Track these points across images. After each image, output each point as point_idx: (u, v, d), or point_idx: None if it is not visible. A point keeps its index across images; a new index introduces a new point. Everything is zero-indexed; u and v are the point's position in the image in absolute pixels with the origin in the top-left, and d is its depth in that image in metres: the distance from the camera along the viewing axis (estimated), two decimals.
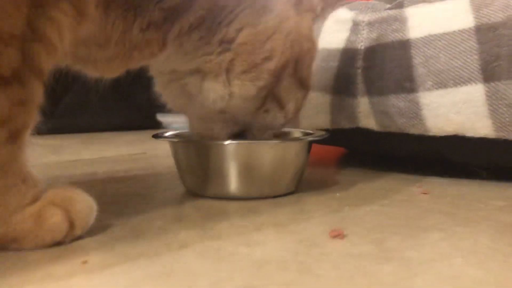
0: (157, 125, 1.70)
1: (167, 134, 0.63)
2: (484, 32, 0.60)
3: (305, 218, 0.49)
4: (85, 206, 0.42)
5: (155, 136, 0.60)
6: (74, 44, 0.41)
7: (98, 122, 1.54)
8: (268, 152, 0.55)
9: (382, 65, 0.67)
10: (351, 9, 0.75)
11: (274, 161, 0.55)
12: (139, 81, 1.75)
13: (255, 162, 0.54)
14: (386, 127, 0.69)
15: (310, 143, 0.60)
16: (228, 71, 0.51)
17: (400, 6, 0.69)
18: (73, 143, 1.22)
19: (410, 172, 0.72)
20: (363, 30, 0.70)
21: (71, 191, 0.42)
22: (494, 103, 0.60)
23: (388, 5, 0.74)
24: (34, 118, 0.39)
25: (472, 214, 0.50)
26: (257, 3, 0.51)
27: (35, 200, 0.39)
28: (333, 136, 0.77)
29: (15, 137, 0.38)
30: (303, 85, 0.56)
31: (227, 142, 0.54)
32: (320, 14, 0.58)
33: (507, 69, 0.59)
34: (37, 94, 0.38)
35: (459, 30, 0.62)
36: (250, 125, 0.56)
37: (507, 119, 0.59)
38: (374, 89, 0.68)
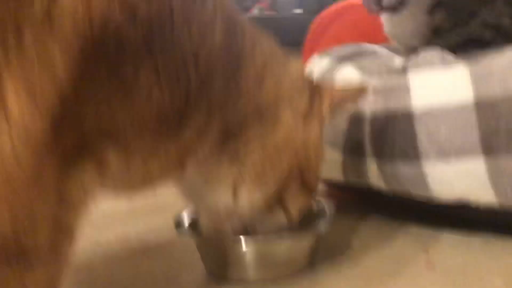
0: None
1: (188, 221, 0.68)
2: (483, 107, 0.62)
3: None
4: None
5: (177, 227, 0.65)
6: (102, 189, 0.46)
7: None
8: (283, 247, 0.61)
9: (387, 132, 0.70)
10: (358, 68, 0.77)
11: (289, 253, 0.62)
12: None
13: (271, 254, 0.61)
14: (394, 189, 0.72)
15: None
16: (236, 182, 0.55)
17: (404, 71, 0.71)
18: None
19: (421, 221, 0.75)
20: (369, 97, 0.73)
21: None
22: (495, 175, 0.62)
23: (397, 59, 0.75)
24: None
25: None
26: (265, 117, 0.54)
27: None
28: (347, 188, 0.80)
29: None
30: (309, 189, 0.60)
31: (244, 240, 0.60)
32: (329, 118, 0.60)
33: (506, 144, 0.60)
34: (69, 251, 0.43)
35: (459, 105, 0.64)
36: (255, 222, 0.61)
37: (508, 190, 0.62)
38: (382, 153, 0.71)
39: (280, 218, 0.60)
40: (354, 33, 1.28)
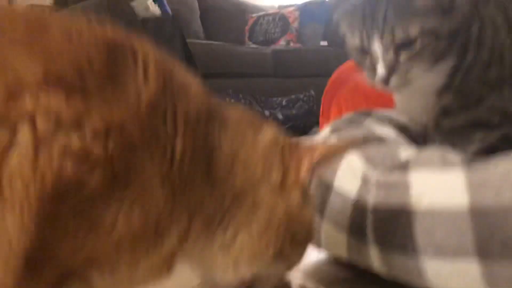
0: None
1: None
2: (478, 215, 0.65)
3: None
4: None
5: None
6: None
7: None
8: None
9: (388, 224, 0.73)
10: (363, 157, 0.80)
11: None
12: None
13: None
14: (395, 277, 0.75)
15: None
16: (234, 267, 0.57)
17: (405, 168, 0.74)
18: None
19: None
20: (372, 186, 0.76)
21: None
22: (490, 279, 0.64)
23: (401, 154, 0.79)
24: None
25: None
26: (246, 203, 0.56)
27: None
28: (354, 267, 0.83)
29: None
30: (306, 243, 0.62)
31: None
32: (309, 184, 0.59)
33: (499, 253, 0.63)
34: None
35: (454, 209, 0.67)
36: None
37: None
38: (383, 242, 0.74)
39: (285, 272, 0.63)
40: (367, 93, 1.32)
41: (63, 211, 0.44)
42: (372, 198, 0.75)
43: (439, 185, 0.69)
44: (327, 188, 0.84)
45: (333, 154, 0.62)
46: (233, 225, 0.56)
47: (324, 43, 3.40)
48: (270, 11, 3.98)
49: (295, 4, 3.93)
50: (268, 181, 0.57)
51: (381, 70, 0.84)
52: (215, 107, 0.57)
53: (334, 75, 1.52)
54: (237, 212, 0.55)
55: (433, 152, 0.74)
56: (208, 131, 0.54)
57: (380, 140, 0.84)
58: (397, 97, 0.98)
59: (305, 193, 0.59)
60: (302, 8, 3.72)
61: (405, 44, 0.83)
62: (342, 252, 0.82)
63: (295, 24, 3.62)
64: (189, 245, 0.55)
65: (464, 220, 0.65)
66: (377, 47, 0.84)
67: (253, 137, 0.58)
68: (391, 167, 0.76)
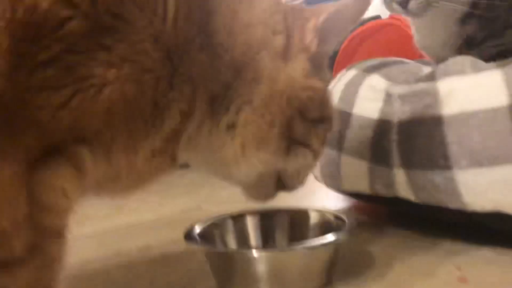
0: None
1: (199, 229, 0.65)
2: None
3: None
4: None
5: (187, 239, 0.62)
6: (86, 188, 0.45)
7: None
8: (296, 260, 0.57)
9: (416, 140, 0.67)
10: (384, 77, 0.74)
11: (302, 266, 0.57)
12: None
13: (283, 269, 0.56)
14: (424, 199, 0.68)
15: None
16: (243, 154, 0.52)
17: (432, 78, 0.68)
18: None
19: (454, 236, 0.71)
20: (396, 102, 0.70)
21: None
22: None
23: (425, 69, 0.73)
24: (61, 272, 0.43)
25: None
26: (246, 79, 0.50)
27: None
28: (375, 199, 0.77)
29: None
30: (320, 121, 0.55)
31: (255, 253, 0.56)
32: (319, 48, 0.52)
33: None
34: (61, 252, 0.42)
35: (492, 109, 0.60)
36: (286, 173, 0.57)
37: None
38: (410, 163, 0.68)
39: (307, 158, 0.56)
40: (386, 53, 1.26)
41: (38, 54, 0.39)
42: (397, 114, 0.69)
43: (473, 87, 0.62)
44: (345, 118, 0.78)
45: (339, 13, 0.53)
46: (235, 103, 0.50)
47: None
48: None
49: None
50: (270, 47, 0.51)
51: None
52: None
53: (352, 35, 1.47)
54: (238, 86, 0.50)
55: (462, 59, 0.68)
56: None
57: (401, 62, 0.78)
58: (417, 33, 0.92)
59: (313, 60, 0.53)
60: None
61: None
62: (363, 183, 0.75)
63: None
64: (193, 125, 0.49)
65: (504, 117, 0.58)
66: None
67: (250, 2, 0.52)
68: (416, 80, 0.70)
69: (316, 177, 0.92)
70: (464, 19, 0.84)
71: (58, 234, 0.42)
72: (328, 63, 0.58)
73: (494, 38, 0.84)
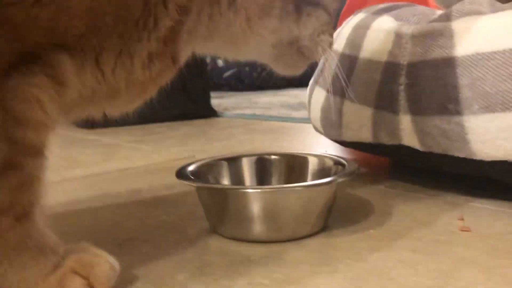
0: (212, 113, 1.72)
1: (192, 168, 0.61)
2: None
3: (329, 271, 0.47)
4: (106, 269, 0.43)
5: (178, 176, 0.59)
6: (71, 105, 0.41)
7: (155, 113, 1.58)
8: (292, 199, 0.53)
9: (426, 83, 0.63)
10: (395, 18, 0.70)
11: (299, 207, 0.53)
12: (193, 70, 1.78)
13: (279, 209, 0.53)
14: (430, 147, 0.65)
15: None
16: (250, 28, 0.50)
17: (447, 18, 0.63)
18: (126, 142, 1.26)
19: (457, 189, 0.69)
20: (407, 44, 0.66)
21: (92, 255, 0.43)
22: None
23: (439, 12, 0.68)
24: (41, 193, 0.40)
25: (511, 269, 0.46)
26: None
27: (55, 268, 0.41)
28: (377, 149, 0.74)
29: (24, 217, 0.39)
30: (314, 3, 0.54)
31: (250, 190, 0.53)
32: None
33: None
34: (38, 170, 0.39)
35: (510, 49, 0.56)
36: (303, 39, 0.54)
37: None
38: (417, 108, 0.64)
39: (320, 17, 0.54)
40: None
41: None
42: (407, 55, 0.64)
43: (490, 27, 0.58)
44: (351, 62, 0.74)
45: None
46: None
47: None
48: None
49: None
50: None
51: None
52: None
53: None
54: None
55: (479, 0, 0.63)
56: None
57: (413, 5, 0.73)
58: None
59: None
60: None
61: None
62: (366, 131, 0.72)
63: None
64: (192, 17, 0.45)
65: None
66: None
67: None
68: (429, 21, 0.65)
69: (316, 128, 0.88)
70: None
71: (35, 151, 0.39)
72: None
73: None
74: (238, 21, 0.48)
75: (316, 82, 0.87)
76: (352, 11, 1.30)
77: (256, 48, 0.53)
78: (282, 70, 0.58)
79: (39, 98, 0.37)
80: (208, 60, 3.10)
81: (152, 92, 0.47)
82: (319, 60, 0.57)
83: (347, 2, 1.43)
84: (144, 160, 1.03)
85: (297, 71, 0.58)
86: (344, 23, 0.84)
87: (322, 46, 0.55)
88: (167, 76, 0.47)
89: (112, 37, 0.40)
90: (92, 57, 0.40)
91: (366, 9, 0.81)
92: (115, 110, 0.49)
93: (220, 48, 0.54)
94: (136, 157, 1.07)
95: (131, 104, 0.48)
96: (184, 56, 0.48)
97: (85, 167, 0.99)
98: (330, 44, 0.56)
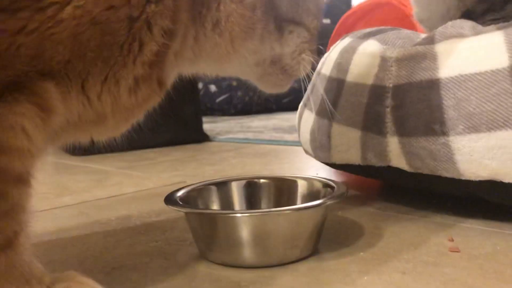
0: (204, 137, 1.73)
1: (181, 193, 0.61)
2: None
3: None
4: None
5: (167, 202, 0.58)
6: (58, 131, 0.41)
7: (147, 138, 1.58)
8: (281, 222, 0.53)
9: (411, 105, 0.63)
10: (380, 42, 0.71)
11: (288, 231, 0.53)
12: (185, 96, 1.78)
13: (268, 232, 0.53)
14: (417, 168, 0.65)
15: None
16: (234, 48, 0.50)
17: (431, 41, 0.65)
18: (117, 169, 1.26)
19: (447, 210, 0.69)
20: (392, 67, 0.67)
21: (79, 284, 0.43)
22: None
23: (423, 35, 0.70)
24: (26, 220, 0.40)
25: None
26: None
27: None
28: (366, 170, 0.74)
29: (8, 247, 0.38)
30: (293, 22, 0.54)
31: (239, 214, 0.53)
32: None
33: None
34: (23, 199, 0.39)
35: (491, 71, 0.57)
36: (285, 58, 0.55)
37: None
38: (404, 129, 0.65)
39: (300, 35, 0.54)
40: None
41: None
42: (392, 78, 0.65)
43: (472, 49, 0.59)
44: (338, 86, 0.75)
45: None
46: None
47: (326, 21, 3.33)
48: None
49: None
50: None
51: None
52: None
53: (347, 14, 1.43)
54: None
55: (462, 22, 0.65)
56: None
57: (397, 29, 0.75)
58: (416, 6, 0.89)
59: None
60: None
61: None
62: (355, 153, 0.72)
63: None
64: (178, 40, 0.46)
65: (504, 79, 0.55)
66: None
67: None
68: (413, 44, 0.66)
69: (306, 150, 0.89)
70: None
71: (20, 179, 0.39)
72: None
73: (494, 12, 0.81)
74: (222, 42, 0.49)
75: (305, 105, 0.88)
76: (340, 36, 1.33)
77: (240, 67, 0.54)
78: (266, 88, 0.59)
79: (24, 126, 0.37)
80: (200, 85, 3.12)
81: (138, 116, 0.48)
82: (302, 76, 0.58)
83: (336, 27, 1.45)
84: (135, 186, 1.02)
85: (282, 89, 0.59)
86: (332, 47, 0.85)
87: (303, 64, 0.56)
88: (154, 100, 0.47)
89: (97, 63, 0.40)
90: (78, 83, 0.40)
91: (353, 33, 0.82)
92: (101, 136, 0.49)
93: (206, 68, 0.55)
94: (127, 183, 1.07)
95: (118, 130, 0.48)
96: (171, 79, 0.49)
97: (75, 194, 0.99)
98: (312, 62, 0.57)
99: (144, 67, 0.43)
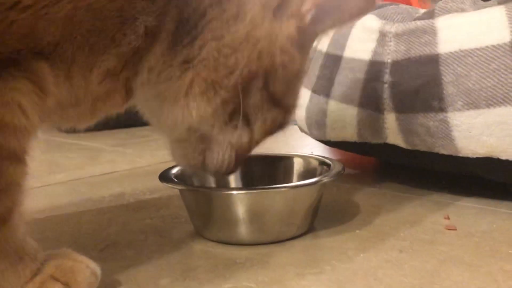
0: None
1: (175, 171, 0.60)
2: None
3: (315, 273, 0.47)
4: (87, 275, 0.42)
5: (162, 179, 0.57)
6: (48, 112, 0.40)
7: (140, 116, 1.56)
8: (277, 200, 0.53)
9: (410, 81, 0.63)
10: (379, 16, 0.69)
11: (284, 208, 0.53)
12: None
13: (264, 210, 0.52)
14: (415, 145, 0.65)
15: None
16: (186, 94, 0.45)
17: (431, 15, 0.63)
18: (110, 146, 1.24)
19: (443, 188, 0.69)
20: (390, 42, 0.66)
21: (72, 261, 0.42)
22: None
23: (422, 10, 0.68)
24: (20, 198, 0.39)
25: (496, 267, 0.46)
26: (226, 13, 0.44)
27: (34, 274, 0.40)
28: (362, 148, 0.74)
29: (1, 224, 0.37)
30: (278, 103, 0.49)
31: (235, 191, 0.52)
32: (312, 25, 0.47)
33: None
34: (18, 176, 0.38)
35: (492, 46, 0.56)
36: (220, 143, 0.50)
37: None
38: (402, 106, 0.64)
39: (242, 137, 0.49)
40: None
41: None
42: (391, 53, 0.64)
43: (473, 24, 0.58)
44: (335, 62, 0.73)
45: (343, 2, 0.48)
46: (204, 35, 0.44)
47: None
48: None
49: None
50: None
51: None
52: None
53: None
54: (214, 18, 0.44)
55: None
56: None
57: (396, 4, 0.73)
58: None
59: (302, 34, 0.47)
60: None
61: None
62: (351, 130, 0.71)
63: None
64: (156, 51, 0.43)
65: (505, 55, 0.54)
66: None
67: None
68: (413, 19, 0.65)
69: (301, 128, 0.88)
70: None
71: (16, 157, 0.37)
72: None
73: None
74: (182, 80, 0.45)
75: None
76: None
77: (175, 118, 0.47)
78: (175, 157, 0.53)
79: (21, 102, 0.36)
80: None
81: (102, 112, 0.45)
82: (209, 171, 0.52)
83: None
84: (128, 164, 1.01)
85: (188, 165, 0.53)
86: None
87: (223, 165, 0.50)
88: (118, 103, 0.45)
89: (84, 48, 0.39)
90: (66, 66, 0.39)
91: None
92: (71, 123, 0.47)
93: (149, 102, 0.49)
94: (120, 161, 1.06)
95: (85, 118, 0.46)
96: (136, 97, 0.46)
97: (68, 171, 0.98)
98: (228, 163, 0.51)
99: (118, 61, 0.41)
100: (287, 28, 0.47)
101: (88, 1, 0.37)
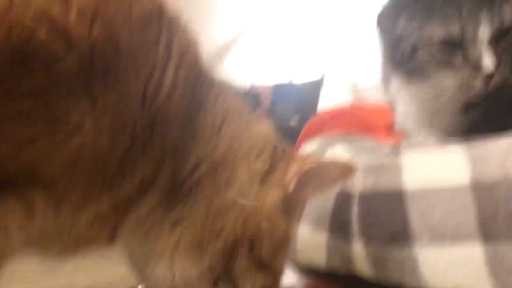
0: None
1: None
2: (480, 189, 0.58)
3: None
4: None
5: None
6: (27, 240, 0.40)
7: None
8: None
9: (377, 215, 0.65)
10: (347, 149, 0.74)
11: None
12: None
13: None
14: (383, 277, 0.65)
15: None
16: (172, 253, 0.47)
17: (396, 153, 0.68)
18: None
19: None
20: (358, 175, 0.69)
21: None
22: (494, 264, 0.56)
23: (386, 148, 0.73)
24: None
25: None
26: (218, 179, 0.47)
27: None
28: (330, 277, 0.73)
29: None
30: (265, 268, 0.49)
31: None
32: (295, 192, 0.50)
33: (505, 230, 0.55)
34: None
35: (454, 187, 0.60)
36: None
37: (509, 281, 0.55)
38: (370, 238, 0.66)
39: None
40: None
41: (21, 84, 0.36)
42: (358, 185, 0.67)
43: (436, 163, 0.62)
44: None
45: (329, 174, 0.53)
46: (195, 199, 0.47)
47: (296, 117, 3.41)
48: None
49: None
50: (251, 166, 0.49)
51: (488, 61, 0.67)
52: (211, 79, 0.51)
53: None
54: (208, 185, 0.47)
55: (427, 136, 0.68)
56: (201, 88, 0.48)
57: (363, 137, 0.78)
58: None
59: (286, 202, 0.50)
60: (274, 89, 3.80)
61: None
62: (320, 256, 0.71)
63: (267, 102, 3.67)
64: (147, 202, 0.45)
65: (466, 196, 0.58)
66: (484, 33, 0.68)
67: (249, 121, 0.52)
68: (379, 155, 0.69)
69: None
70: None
71: None
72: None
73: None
74: (168, 239, 0.46)
75: None
76: (308, 136, 1.37)
77: (157, 278, 0.48)
78: None
79: (8, 225, 0.37)
80: None
81: (84, 250, 0.46)
82: None
83: (304, 128, 1.49)
84: (90, 276, 0.97)
85: None
86: (299, 150, 0.88)
87: None
88: (101, 244, 0.46)
89: (79, 189, 0.41)
90: (57, 200, 0.40)
91: (320, 137, 0.85)
92: (51, 254, 0.47)
93: (135, 258, 0.50)
94: (80, 273, 1.01)
95: (65, 253, 0.46)
96: (121, 240, 0.47)
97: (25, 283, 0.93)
98: None
99: (109, 207, 0.43)
100: (273, 196, 0.50)
101: (92, 150, 0.39)
